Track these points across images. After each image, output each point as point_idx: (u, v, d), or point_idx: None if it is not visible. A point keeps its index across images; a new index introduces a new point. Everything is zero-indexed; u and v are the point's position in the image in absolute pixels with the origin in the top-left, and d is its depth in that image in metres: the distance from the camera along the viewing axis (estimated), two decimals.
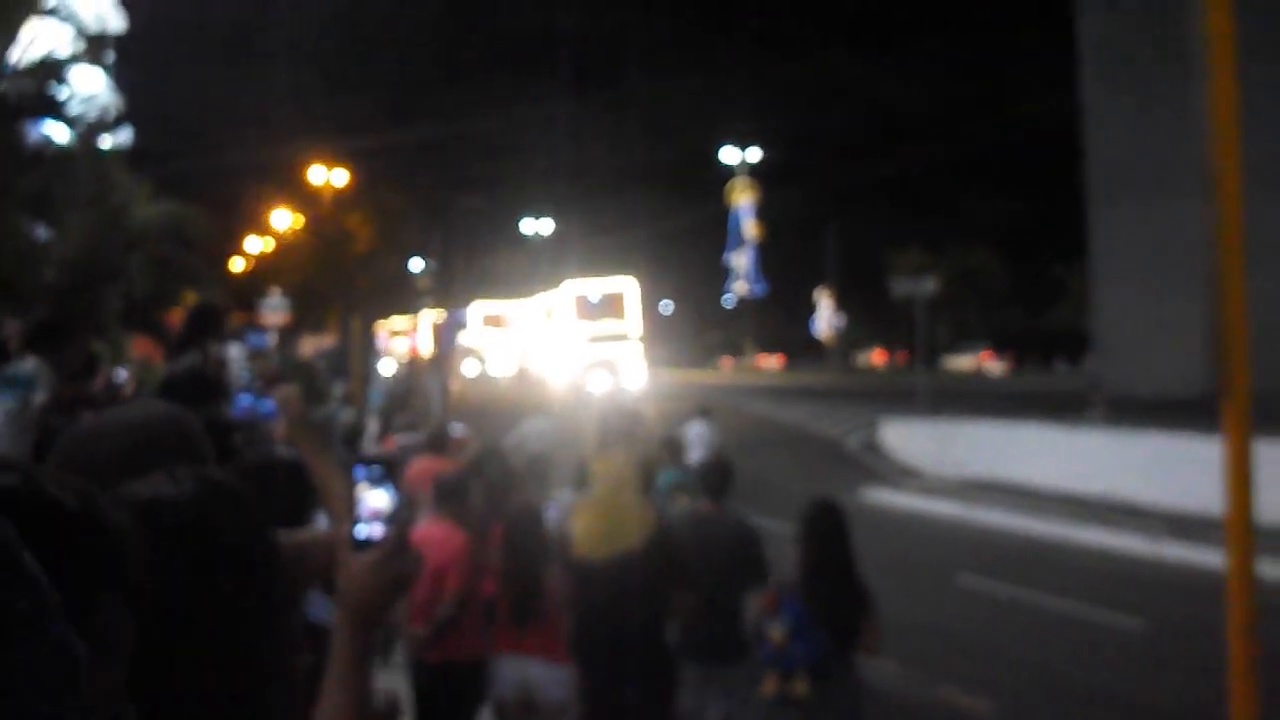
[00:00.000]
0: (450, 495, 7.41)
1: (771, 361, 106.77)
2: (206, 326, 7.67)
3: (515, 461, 8.55)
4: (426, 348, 52.93)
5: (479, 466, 8.19)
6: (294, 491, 3.88)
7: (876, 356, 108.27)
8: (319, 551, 2.96)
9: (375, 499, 2.22)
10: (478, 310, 63.83)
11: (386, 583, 2.09)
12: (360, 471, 2.27)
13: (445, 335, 55.16)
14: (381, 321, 59.20)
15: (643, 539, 6.72)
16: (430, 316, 62.28)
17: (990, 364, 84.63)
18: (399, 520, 2.19)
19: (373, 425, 20.38)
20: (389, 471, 2.31)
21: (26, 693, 0.96)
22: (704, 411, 20.54)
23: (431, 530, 7.20)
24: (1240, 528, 3.84)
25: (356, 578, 2.07)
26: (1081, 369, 63.92)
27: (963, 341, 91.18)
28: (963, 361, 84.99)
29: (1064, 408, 28.65)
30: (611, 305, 50.10)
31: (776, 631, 6.39)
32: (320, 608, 3.53)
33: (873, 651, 6.74)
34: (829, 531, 6.70)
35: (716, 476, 7.85)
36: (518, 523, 7.42)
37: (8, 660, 0.96)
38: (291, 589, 2.33)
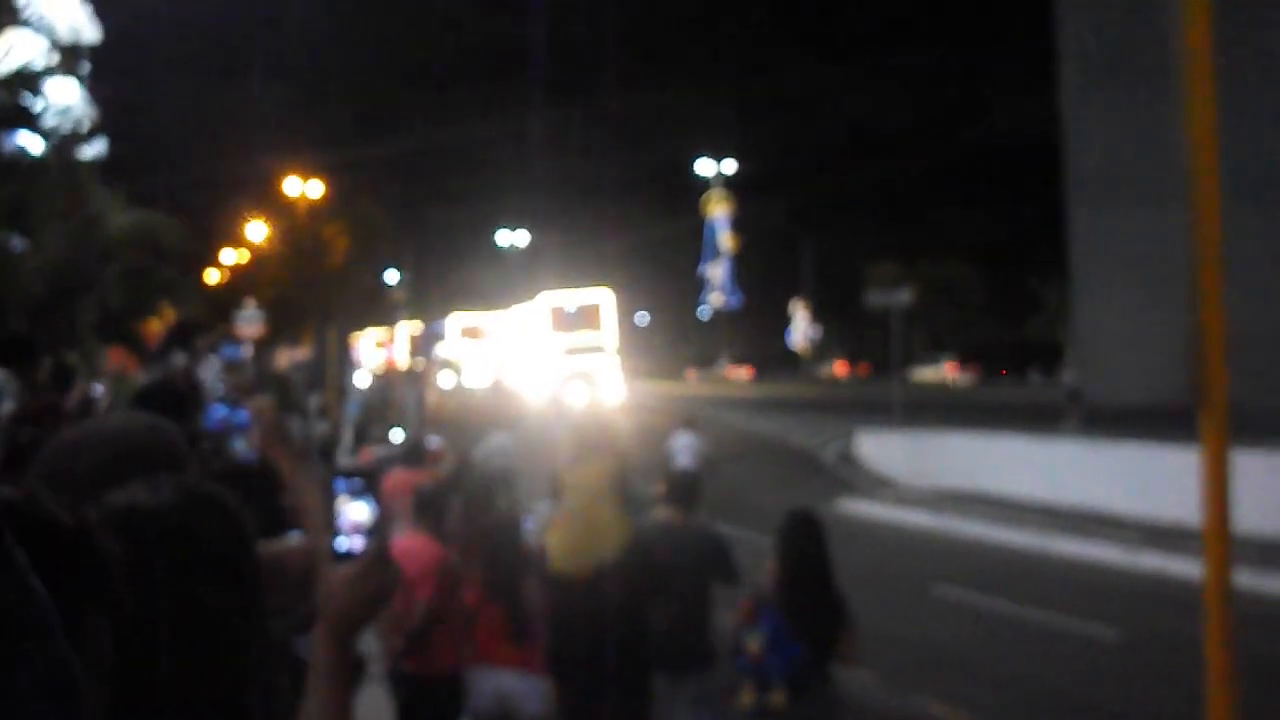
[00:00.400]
0: (428, 507, 7.39)
1: (740, 373, 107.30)
2: (175, 341, 7.68)
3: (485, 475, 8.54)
4: (402, 359, 52.88)
5: (457, 480, 8.18)
6: (264, 499, 3.85)
7: (839, 368, 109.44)
8: (294, 562, 2.94)
9: (355, 511, 2.20)
10: (456, 322, 63.72)
11: (367, 595, 2.06)
12: (340, 484, 2.25)
13: (423, 347, 55.09)
14: (358, 333, 59.10)
15: (618, 552, 6.71)
16: (407, 328, 62.29)
17: (955, 375, 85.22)
18: (379, 532, 2.17)
19: (348, 437, 20.35)
20: (369, 484, 2.29)
21: (32, 711, 0.95)
22: (688, 422, 20.60)
23: (408, 542, 7.18)
24: (1218, 538, 3.85)
25: (337, 591, 2.05)
26: (1056, 380, 64.24)
27: (931, 353, 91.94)
28: (928, 373, 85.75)
29: (1038, 418, 28.77)
30: (587, 317, 50.09)
31: (754, 642, 6.39)
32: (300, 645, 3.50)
33: (851, 662, 6.74)
34: (807, 543, 6.70)
35: (685, 488, 7.83)
36: (495, 535, 7.40)
37: (14, 679, 0.95)
38: (269, 601, 2.31)
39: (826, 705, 6.55)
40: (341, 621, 2.04)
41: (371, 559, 2.08)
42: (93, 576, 1.16)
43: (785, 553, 6.67)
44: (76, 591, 1.13)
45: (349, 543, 2.11)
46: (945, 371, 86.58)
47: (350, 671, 2.08)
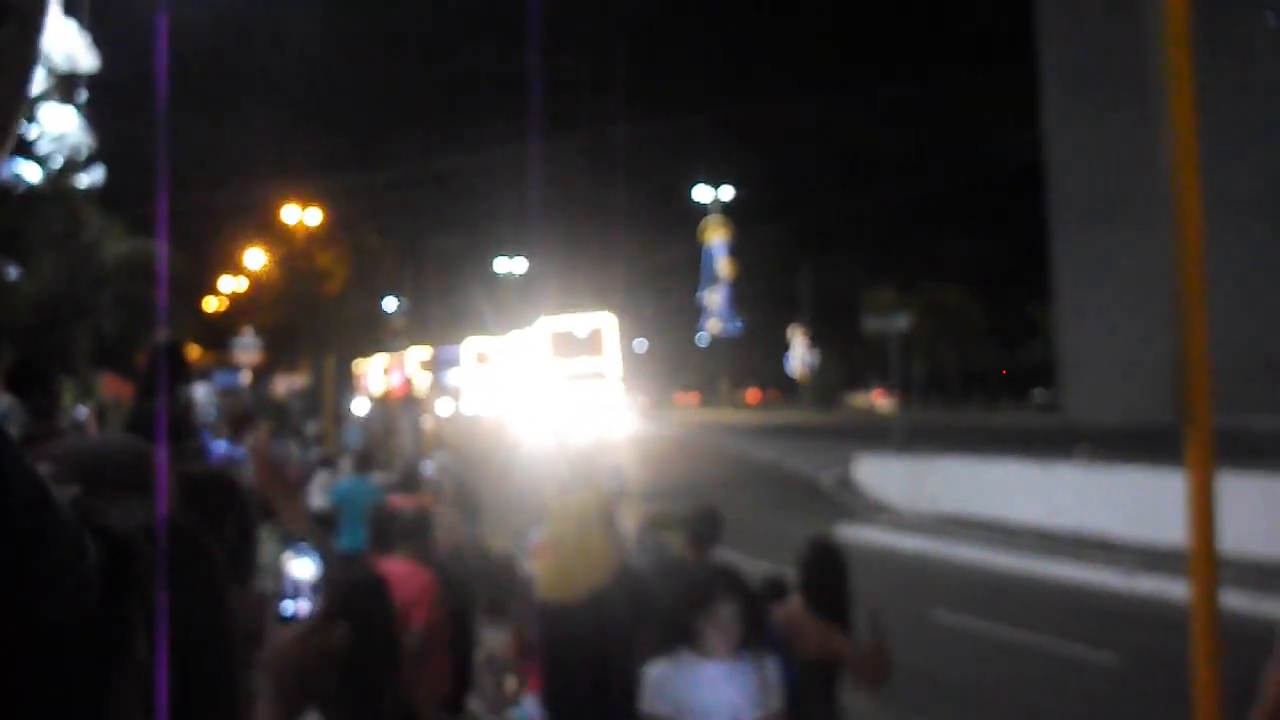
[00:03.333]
0: (411, 532, 7.30)
1: (687, 399, 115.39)
2: (172, 371, 7.65)
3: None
4: (406, 385, 52.71)
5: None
6: (228, 511, 3.83)
7: (750, 395, 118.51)
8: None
9: (300, 569, 2.08)
10: (470, 347, 62.83)
11: (314, 656, 1.98)
12: (288, 545, 2.12)
13: (434, 372, 54.82)
14: (364, 360, 59.00)
15: (607, 579, 6.69)
16: (412, 355, 62.04)
17: (880, 401, 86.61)
18: (325, 592, 2.05)
19: (346, 465, 20.30)
20: (315, 542, 2.18)
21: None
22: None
23: (394, 567, 7.13)
24: (1204, 557, 3.84)
25: (283, 652, 1.97)
26: (1056, 403, 64.18)
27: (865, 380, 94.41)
28: (858, 399, 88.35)
29: (1039, 444, 28.72)
30: (589, 342, 49.69)
31: None
32: None
33: (872, 679, 6.67)
34: (828, 574, 6.64)
35: (705, 525, 7.77)
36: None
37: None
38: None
39: None
40: (290, 684, 1.97)
41: (318, 618, 2.00)
42: (138, 580, 1.19)
43: (805, 582, 6.62)
44: (128, 593, 1.16)
45: (293, 606, 2.01)
46: (872, 398, 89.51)
47: None
